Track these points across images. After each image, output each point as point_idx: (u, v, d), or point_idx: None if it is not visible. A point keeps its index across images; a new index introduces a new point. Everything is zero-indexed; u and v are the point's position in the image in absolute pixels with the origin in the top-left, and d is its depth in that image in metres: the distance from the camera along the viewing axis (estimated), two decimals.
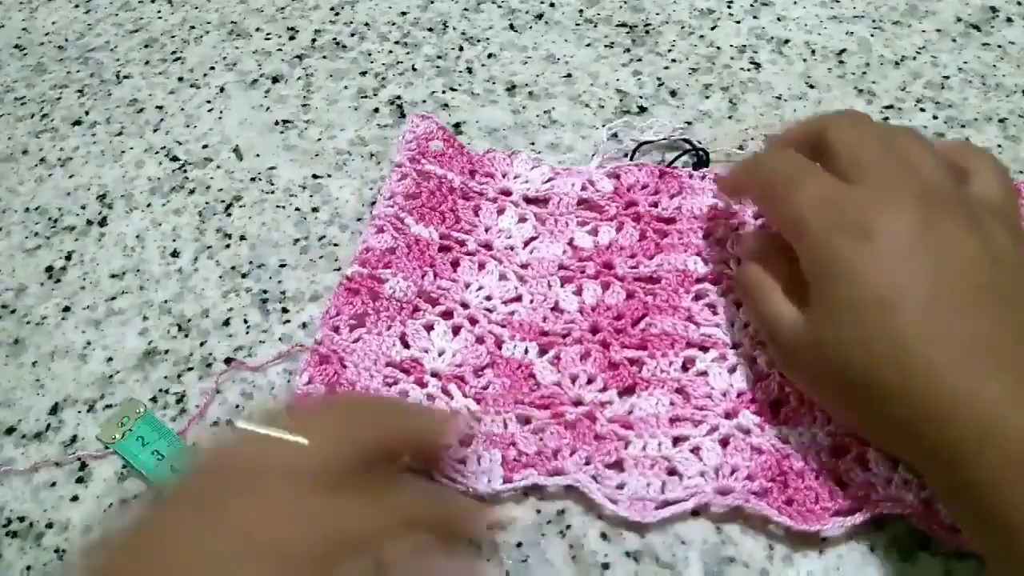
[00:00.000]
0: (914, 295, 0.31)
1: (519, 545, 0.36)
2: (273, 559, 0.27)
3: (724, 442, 0.37)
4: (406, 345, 0.41)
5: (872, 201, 0.33)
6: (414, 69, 0.54)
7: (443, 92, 0.53)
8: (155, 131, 0.53)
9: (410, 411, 0.37)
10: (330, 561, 0.27)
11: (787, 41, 0.53)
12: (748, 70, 0.51)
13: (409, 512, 0.31)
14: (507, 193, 0.46)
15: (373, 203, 0.47)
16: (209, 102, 0.54)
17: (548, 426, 0.38)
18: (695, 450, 0.37)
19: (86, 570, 0.28)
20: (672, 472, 0.36)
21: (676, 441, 0.37)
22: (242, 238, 0.47)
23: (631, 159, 0.47)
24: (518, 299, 0.42)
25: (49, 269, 0.47)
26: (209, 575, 0.26)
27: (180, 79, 0.56)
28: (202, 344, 0.43)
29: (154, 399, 0.41)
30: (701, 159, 0.47)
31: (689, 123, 0.49)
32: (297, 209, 0.48)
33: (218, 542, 0.27)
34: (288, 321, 0.43)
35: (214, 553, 0.26)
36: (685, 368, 0.39)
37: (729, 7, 0.55)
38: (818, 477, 0.35)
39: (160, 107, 0.54)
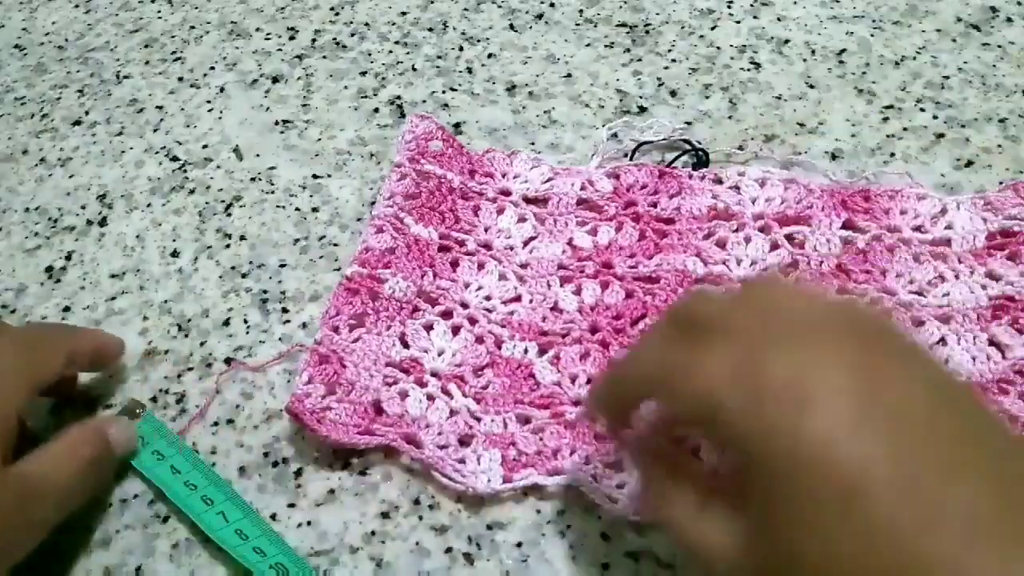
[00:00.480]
0: (881, 470, 0.23)
1: (519, 545, 0.35)
2: None
3: None
4: (406, 345, 0.41)
5: (789, 354, 0.26)
6: (414, 69, 0.54)
7: (443, 92, 0.53)
8: (155, 131, 0.53)
9: None
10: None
11: (787, 41, 0.53)
12: (748, 70, 0.51)
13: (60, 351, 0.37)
14: (506, 193, 0.46)
15: (373, 203, 0.47)
16: (209, 102, 0.54)
17: (548, 426, 0.38)
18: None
19: None
20: None
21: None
22: (242, 238, 0.47)
23: (631, 159, 0.47)
24: (517, 299, 0.42)
25: (49, 269, 0.47)
26: None
27: (180, 79, 0.56)
28: (202, 344, 0.43)
29: (154, 399, 0.41)
30: (701, 159, 0.47)
31: (689, 123, 0.49)
32: (297, 209, 0.48)
33: None
34: (288, 321, 0.43)
35: None
36: None
37: (729, 7, 0.55)
38: None
39: (160, 107, 0.54)
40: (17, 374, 0.35)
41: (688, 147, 0.47)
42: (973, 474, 0.24)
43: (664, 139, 0.48)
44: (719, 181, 0.45)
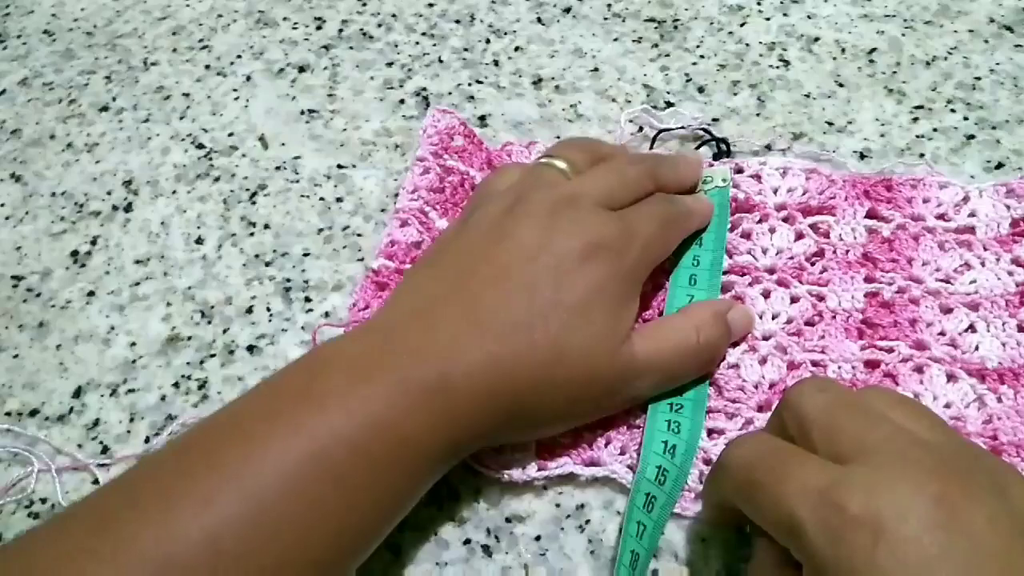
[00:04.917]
0: None
1: (538, 538, 0.35)
2: None
3: None
4: None
5: (872, 485, 0.26)
6: (440, 61, 0.54)
7: (469, 84, 0.52)
8: (181, 118, 0.53)
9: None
10: None
11: (817, 39, 0.52)
12: (777, 67, 0.51)
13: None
14: None
15: (397, 194, 0.47)
16: (235, 90, 0.54)
17: None
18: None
19: None
20: (708, 463, 0.36)
21: (710, 433, 0.37)
22: (266, 226, 0.47)
23: (651, 147, 0.47)
24: None
25: (74, 254, 0.47)
26: None
27: (207, 67, 0.56)
28: (225, 331, 0.43)
29: (176, 385, 0.41)
30: (722, 150, 0.46)
31: (716, 119, 0.48)
32: (321, 199, 0.48)
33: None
34: (311, 310, 0.43)
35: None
36: None
37: (759, 4, 0.55)
38: None
39: (187, 94, 0.54)
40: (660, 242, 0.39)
41: (708, 137, 0.47)
42: None
43: (683, 127, 0.47)
44: (740, 171, 0.44)
